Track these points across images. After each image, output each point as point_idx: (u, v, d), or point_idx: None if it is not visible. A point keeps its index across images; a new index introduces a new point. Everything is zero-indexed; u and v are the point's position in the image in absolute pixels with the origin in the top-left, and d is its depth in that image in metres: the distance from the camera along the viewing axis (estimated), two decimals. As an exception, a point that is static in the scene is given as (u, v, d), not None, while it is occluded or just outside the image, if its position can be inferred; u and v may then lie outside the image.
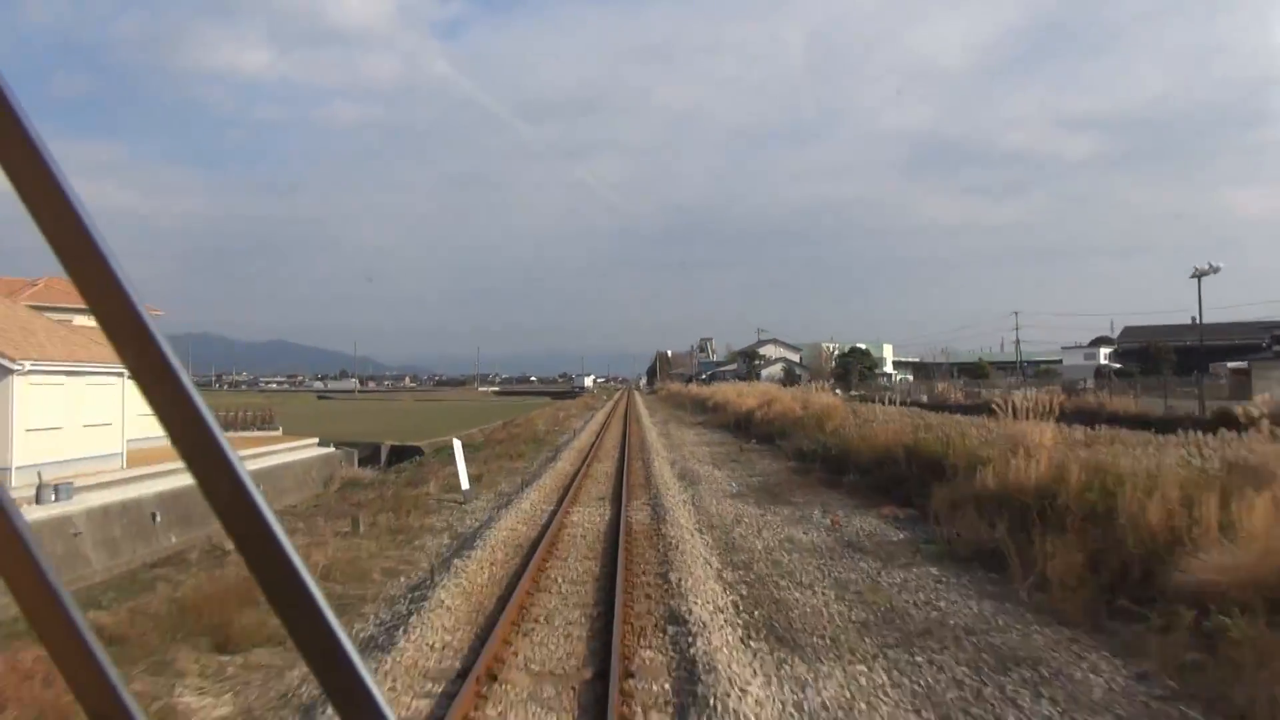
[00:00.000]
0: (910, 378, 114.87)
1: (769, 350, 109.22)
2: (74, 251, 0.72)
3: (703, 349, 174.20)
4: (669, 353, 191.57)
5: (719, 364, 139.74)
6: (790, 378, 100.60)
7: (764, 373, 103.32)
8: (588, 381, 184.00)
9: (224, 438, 0.73)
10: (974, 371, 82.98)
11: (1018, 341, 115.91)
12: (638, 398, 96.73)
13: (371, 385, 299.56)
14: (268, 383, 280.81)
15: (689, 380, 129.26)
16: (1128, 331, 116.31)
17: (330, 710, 0.66)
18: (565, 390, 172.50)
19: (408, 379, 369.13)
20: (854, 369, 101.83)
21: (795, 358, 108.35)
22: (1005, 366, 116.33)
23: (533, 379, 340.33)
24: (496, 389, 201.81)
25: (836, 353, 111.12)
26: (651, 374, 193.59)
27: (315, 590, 0.73)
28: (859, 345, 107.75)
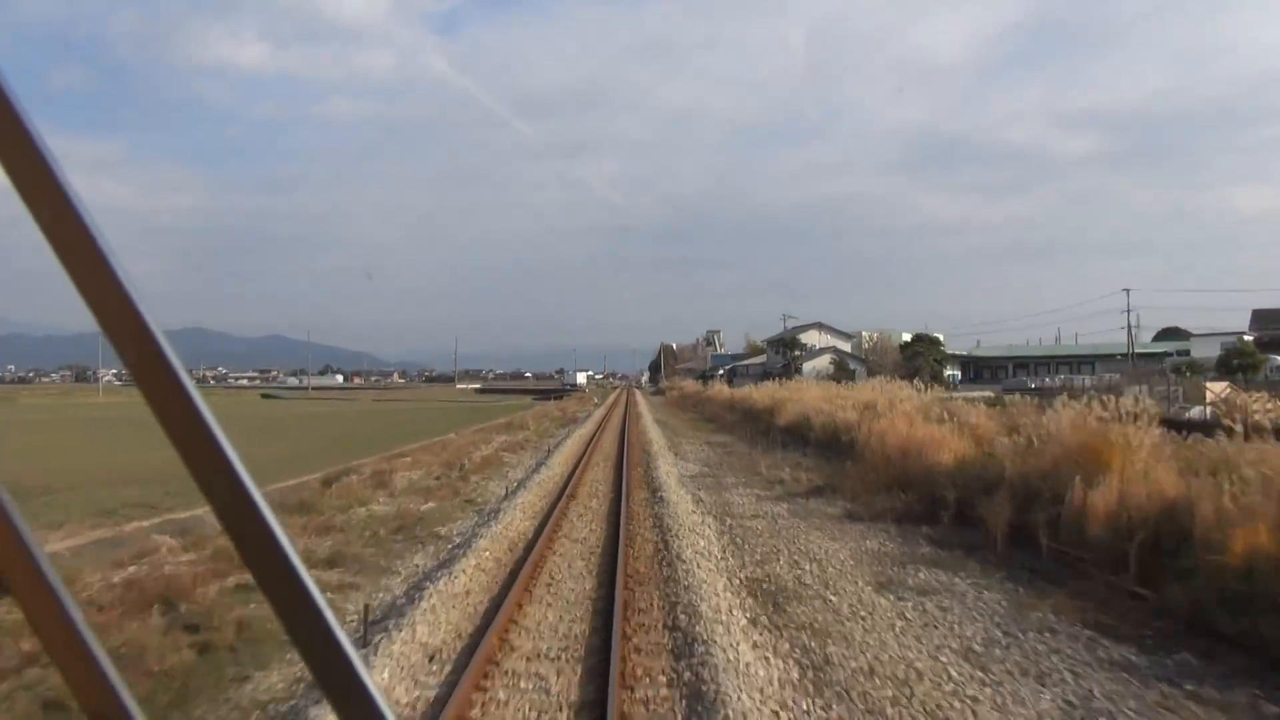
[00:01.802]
0: (958, 374, 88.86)
1: (811, 338, 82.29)
2: (74, 250, 0.69)
3: (709, 342, 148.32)
4: (674, 345, 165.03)
5: (738, 357, 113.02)
6: (842, 372, 74.06)
7: (806, 367, 76.69)
8: (580, 378, 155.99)
9: (224, 437, 0.71)
10: (1229, 365, 55.40)
11: (1129, 327, 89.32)
12: (640, 401, 70.24)
13: (358, 381, 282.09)
14: (237, 379, 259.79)
15: (704, 378, 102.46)
16: (1258, 316, 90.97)
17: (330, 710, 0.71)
18: (554, 389, 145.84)
19: (396, 375, 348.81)
20: (925, 362, 75.34)
21: (846, 347, 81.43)
22: (1104, 359, 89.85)
23: (527, 375, 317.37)
24: (479, 387, 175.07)
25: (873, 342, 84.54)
26: (655, 369, 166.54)
27: (314, 590, 0.71)
28: (927, 333, 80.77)
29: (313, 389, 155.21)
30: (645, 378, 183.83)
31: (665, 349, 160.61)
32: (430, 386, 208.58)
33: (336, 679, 0.71)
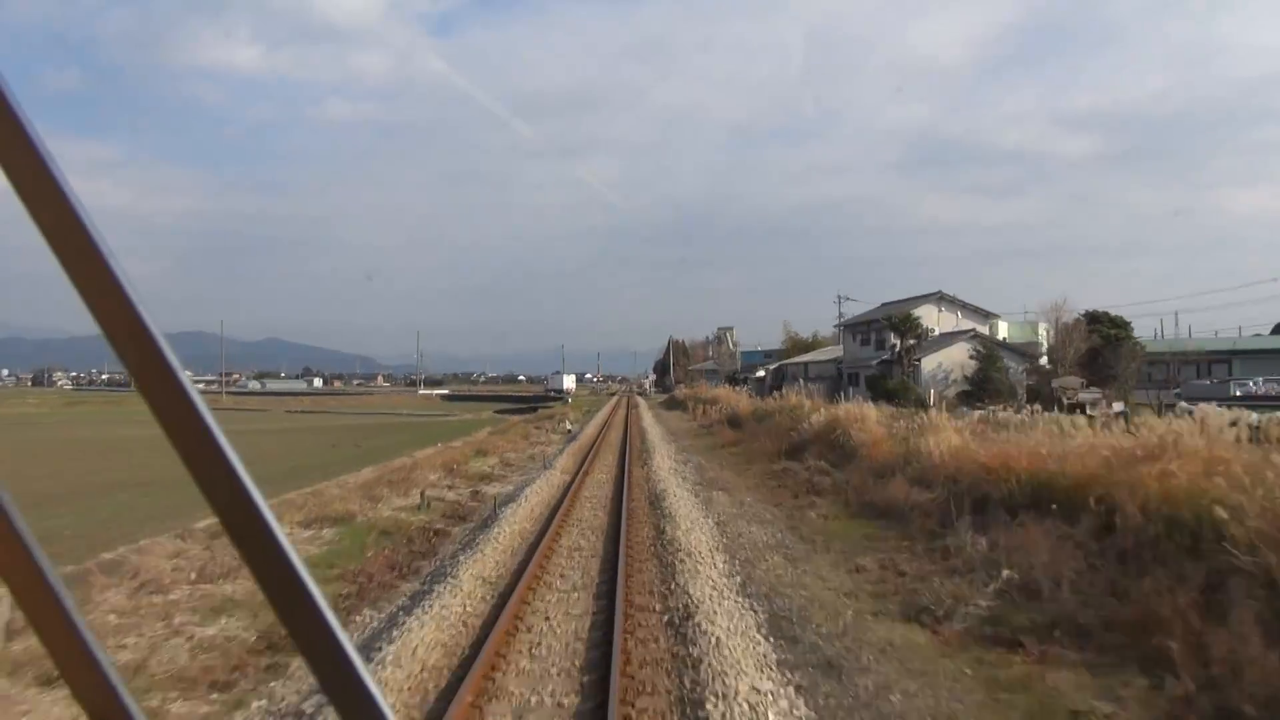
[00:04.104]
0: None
1: (928, 314, 49.39)
2: (73, 251, 0.68)
3: (721, 340, 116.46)
4: (685, 342, 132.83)
5: (773, 354, 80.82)
6: (992, 371, 41.98)
7: (926, 364, 44.54)
8: (567, 383, 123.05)
9: (224, 438, 0.70)
10: None
11: None
12: (652, 429, 38.18)
13: (338, 385, 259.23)
14: (196, 382, 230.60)
15: (742, 383, 69.99)
16: None
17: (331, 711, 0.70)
18: (536, 395, 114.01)
19: (380, 378, 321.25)
20: (1125, 355, 43.19)
21: (985, 329, 48.92)
22: (1257, 355, 57.51)
23: (520, 378, 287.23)
24: (446, 393, 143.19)
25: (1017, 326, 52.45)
26: (662, 371, 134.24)
27: (315, 590, 0.70)
28: (1105, 311, 47.80)
29: (226, 394, 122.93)
30: (650, 381, 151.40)
31: (676, 345, 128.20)
32: (404, 392, 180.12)
33: (338, 680, 0.69)
